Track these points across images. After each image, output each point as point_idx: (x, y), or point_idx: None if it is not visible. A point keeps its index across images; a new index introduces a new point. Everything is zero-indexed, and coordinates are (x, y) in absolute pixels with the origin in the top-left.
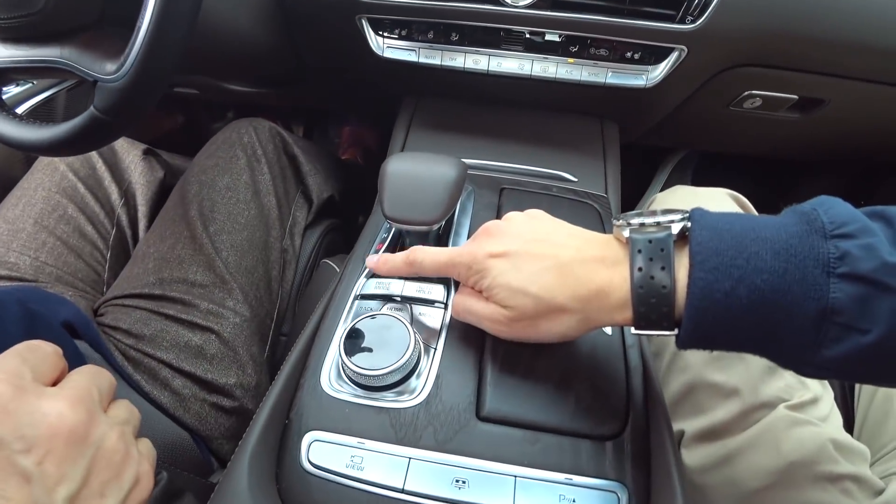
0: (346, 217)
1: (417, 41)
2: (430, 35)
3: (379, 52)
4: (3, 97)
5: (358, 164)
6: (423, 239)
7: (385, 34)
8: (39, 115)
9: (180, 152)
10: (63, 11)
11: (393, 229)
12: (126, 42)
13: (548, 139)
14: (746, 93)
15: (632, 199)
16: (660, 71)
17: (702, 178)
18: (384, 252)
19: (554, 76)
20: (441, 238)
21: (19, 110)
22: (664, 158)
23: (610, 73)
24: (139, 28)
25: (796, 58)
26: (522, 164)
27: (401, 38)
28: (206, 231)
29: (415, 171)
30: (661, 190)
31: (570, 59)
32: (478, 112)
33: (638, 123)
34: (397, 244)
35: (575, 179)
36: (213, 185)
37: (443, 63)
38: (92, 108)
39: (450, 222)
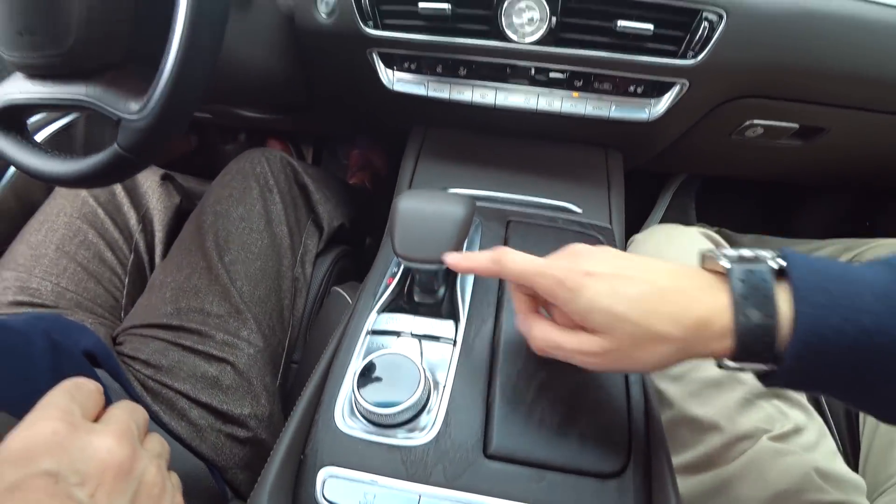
0: (356, 243)
1: (426, 74)
2: (439, 69)
3: (389, 86)
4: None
5: (366, 188)
6: (433, 275)
7: (395, 68)
8: (60, 140)
9: (194, 173)
10: (89, 51)
11: (403, 264)
12: (149, 79)
13: (553, 169)
14: (748, 122)
15: (636, 222)
16: (662, 104)
17: (705, 201)
18: (395, 286)
19: (559, 110)
20: (449, 273)
21: (39, 136)
22: (667, 180)
23: (614, 107)
24: (162, 70)
25: (795, 89)
26: (528, 195)
27: (410, 71)
28: (221, 261)
29: (424, 210)
30: (665, 212)
31: (575, 93)
32: (485, 142)
33: (641, 153)
34: (407, 279)
35: (580, 210)
36: (227, 216)
37: (451, 97)
38: (116, 145)
39: None
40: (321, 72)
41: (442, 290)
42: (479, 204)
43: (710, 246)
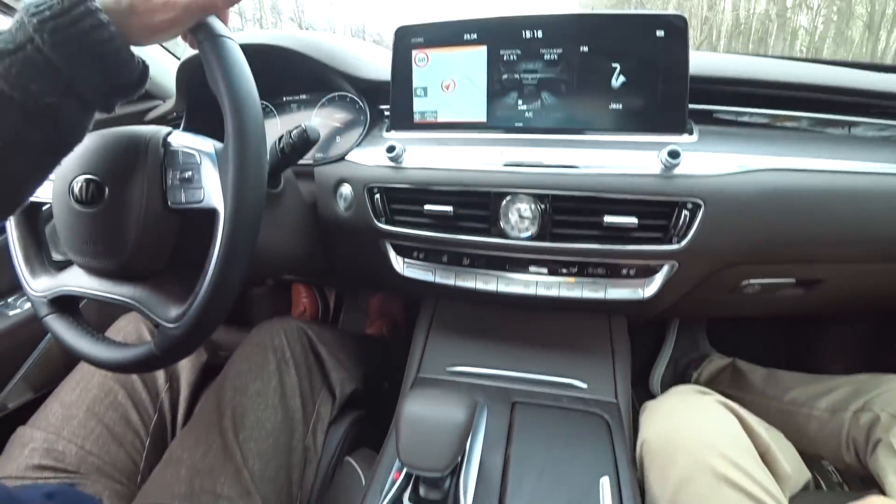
0: (370, 406)
1: (434, 263)
2: (445, 259)
3: (400, 272)
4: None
5: (384, 338)
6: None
7: (405, 258)
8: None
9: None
10: (140, 262)
11: None
12: (188, 284)
13: (557, 340)
14: (744, 282)
15: (647, 353)
16: (655, 284)
17: (716, 327)
18: (401, 480)
19: (557, 295)
20: (455, 470)
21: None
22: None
23: (609, 290)
24: (198, 291)
25: (784, 255)
26: (533, 371)
27: (419, 259)
28: (236, 439)
29: (427, 416)
30: (675, 343)
31: (571, 279)
32: (491, 315)
33: (642, 316)
34: (412, 477)
35: (584, 386)
36: (245, 391)
37: (456, 284)
38: (152, 345)
39: None
40: (340, 252)
41: (448, 483)
42: (484, 382)
43: (730, 418)
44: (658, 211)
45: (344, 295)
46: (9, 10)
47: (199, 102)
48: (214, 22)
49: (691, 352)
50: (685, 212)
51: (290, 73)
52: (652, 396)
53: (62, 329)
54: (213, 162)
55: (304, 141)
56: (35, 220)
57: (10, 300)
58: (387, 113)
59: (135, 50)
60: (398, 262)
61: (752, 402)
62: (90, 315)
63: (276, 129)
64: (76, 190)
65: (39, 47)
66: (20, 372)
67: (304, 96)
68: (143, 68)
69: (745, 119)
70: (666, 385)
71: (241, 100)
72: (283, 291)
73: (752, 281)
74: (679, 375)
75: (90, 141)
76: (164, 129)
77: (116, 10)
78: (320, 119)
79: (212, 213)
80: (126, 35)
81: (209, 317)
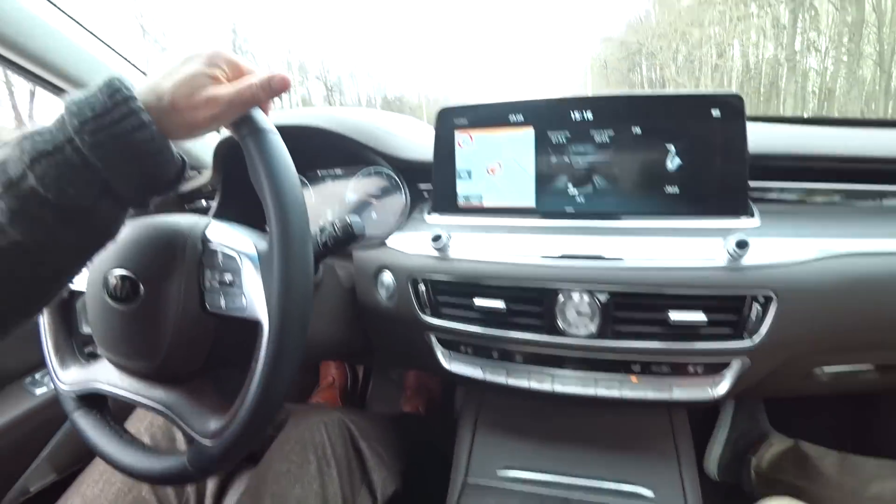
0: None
1: (483, 358)
2: (495, 355)
3: (446, 366)
4: None
5: (420, 417)
6: None
7: (452, 351)
8: None
9: None
10: (174, 365)
11: None
12: (225, 390)
13: (614, 436)
14: (818, 370)
15: (699, 432)
16: (725, 383)
17: (777, 414)
18: None
19: (619, 396)
20: None
21: None
22: None
23: (675, 389)
24: (238, 408)
25: (863, 344)
26: (593, 476)
27: (467, 354)
28: None
29: None
30: (733, 419)
31: (634, 378)
32: (542, 409)
33: (703, 406)
34: None
35: (651, 495)
36: (285, 499)
37: (508, 382)
38: (185, 461)
39: None
40: (382, 340)
41: None
42: (541, 491)
43: None
44: (726, 305)
45: (371, 370)
46: (58, 90)
47: (236, 180)
48: (257, 115)
49: (750, 430)
50: (756, 305)
51: (325, 149)
52: (709, 481)
53: (89, 428)
54: (256, 266)
55: (349, 235)
56: (67, 308)
57: (37, 376)
58: (426, 193)
59: None
60: (444, 357)
61: (828, 496)
62: None
63: (311, 201)
64: (111, 285)
65: (79, 148)
66: (44, 452)
67: (338, 170)
68: (182, 164)
69: (774, 196)
70: (724, 469)
71: (287, 202)
72: (315, 412)
73: (826, 370)
74: (738, 458)
75: (127, 232)
76: (203, 222)
77: (158, 107)
78: (356, 195)
79: (255, 324)
80: (166, 132)
81: (249, 435)
